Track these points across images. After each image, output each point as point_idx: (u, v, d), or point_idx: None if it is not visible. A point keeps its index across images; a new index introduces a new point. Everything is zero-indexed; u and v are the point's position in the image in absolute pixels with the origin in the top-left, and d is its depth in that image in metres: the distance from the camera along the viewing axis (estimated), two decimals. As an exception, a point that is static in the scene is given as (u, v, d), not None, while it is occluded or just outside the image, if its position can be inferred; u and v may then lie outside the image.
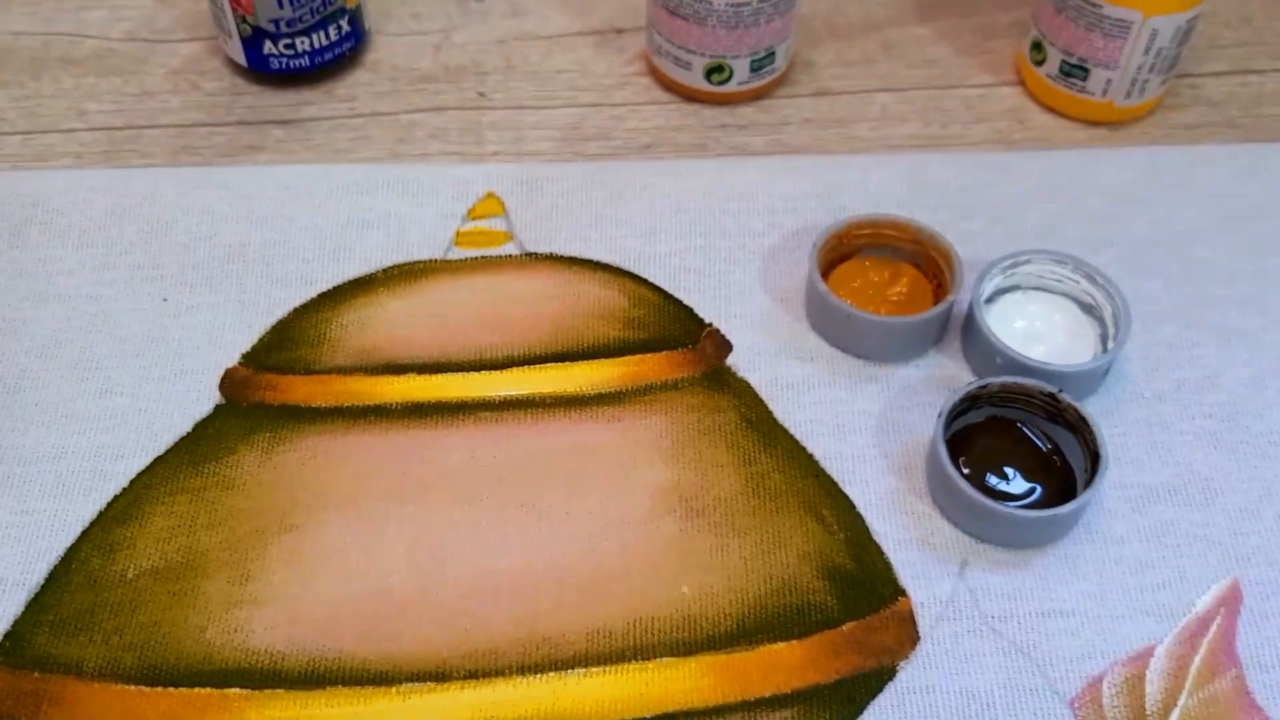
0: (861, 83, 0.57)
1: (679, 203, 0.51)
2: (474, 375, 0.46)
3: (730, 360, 0.46)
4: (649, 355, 0.46)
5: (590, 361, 0.46)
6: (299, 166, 0.52)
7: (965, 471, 0.42)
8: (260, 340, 0.47)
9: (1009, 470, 0.42)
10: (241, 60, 0.55)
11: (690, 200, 0.51)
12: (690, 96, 0.56)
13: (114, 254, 0.49)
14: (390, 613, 0.40)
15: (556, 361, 0.46)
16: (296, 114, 0.55)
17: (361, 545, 0.41)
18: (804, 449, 0.44)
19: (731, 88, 0.55)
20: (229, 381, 0.46)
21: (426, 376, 0.46)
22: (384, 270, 0.49)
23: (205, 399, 0.45)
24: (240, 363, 0.46)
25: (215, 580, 0.40)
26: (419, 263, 0.49)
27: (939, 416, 0.42)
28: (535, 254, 0.49)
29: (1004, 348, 0.44)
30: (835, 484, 0.43)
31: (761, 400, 0.45)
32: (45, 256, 0.49)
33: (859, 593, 0.40)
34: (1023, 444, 0.43)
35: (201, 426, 0.44)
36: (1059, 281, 0.47)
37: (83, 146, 0.54)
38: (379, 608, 0.40)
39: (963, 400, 0.42)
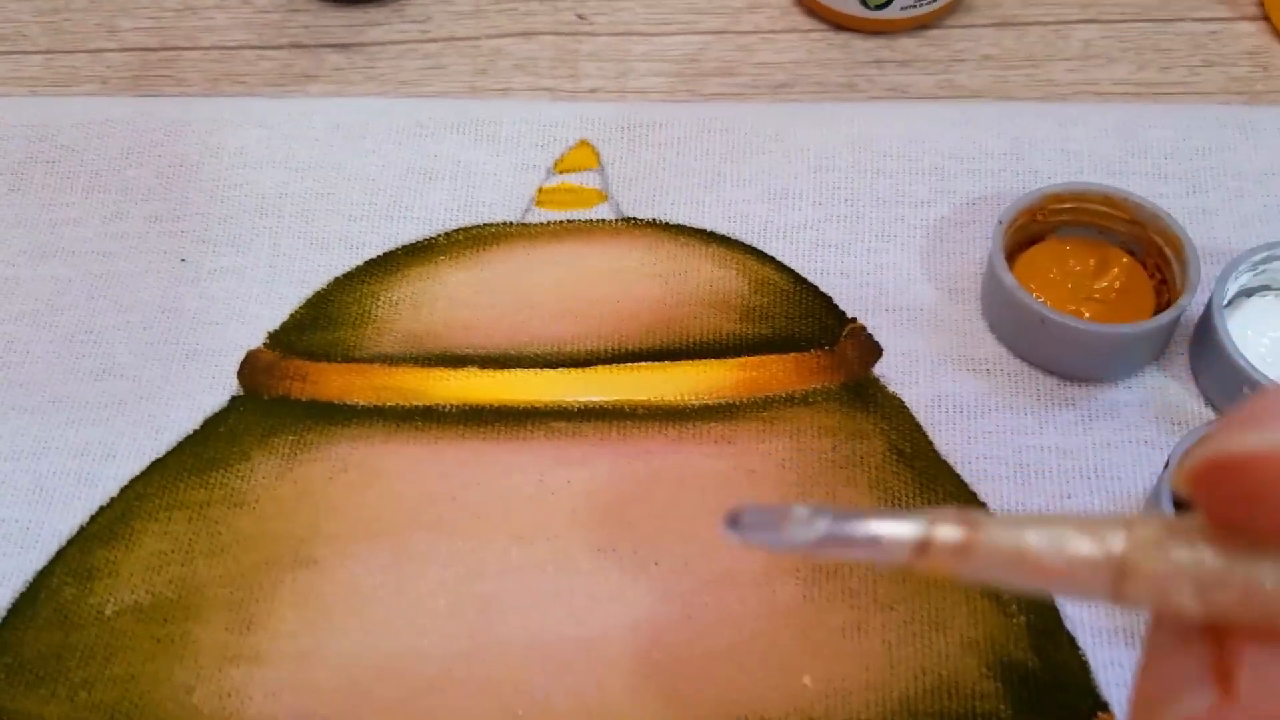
0: (1057, 11, 0.45)
1: (819, 158, 0.40)
2: (549, 374, 0.36)
3: (878, 369, 0.36)
4: (772, 358, 0.36)
5: (697, 362, 0.36)
6: (352, 101, 0.43)
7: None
8: (292, 316, 0.38)
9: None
10: (296, -30, 0.46)
11: (834, 155, 0.40)
12: (839, 24, 0.45)
13: (129, 202, 0.40)
14: (422, 685, 0.31)
15: (654, 360, 0.36)
16: (359, 37, 0.46)
17: (393, 591, 0.32)
18: (974, 495, 0.33)
19: (892, 13, 0.43)
20: (250, 367, 0.37)
21: (490, 372, 0.36)
22: (446, 235, 0.39)
23: (220, 388, 0.37)
24: (265, 343, 0.37)
25: (210, 626, 0.32)
26: (490, 226, 0.39)
27: (1165, 468, 0.31)
28: (634, 220, 0.39)
29: (1254, 371, 0.32)
30: (1014, 546, 0.32)
31: (918, 425, 0.35)
32: (50, 201, 0.41)
33: (1044, 701, 0.30)
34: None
35: (212, 424, 0.36)
36: (1332, 283, 0.35)
37: (110, 70, 0.45)
38: (409, 676, 0.31)
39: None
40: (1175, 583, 0.16)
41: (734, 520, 0.19)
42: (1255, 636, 0.16)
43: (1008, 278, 0.34)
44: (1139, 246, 0.36)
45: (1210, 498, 0.16)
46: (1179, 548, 0.16)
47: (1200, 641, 0.17)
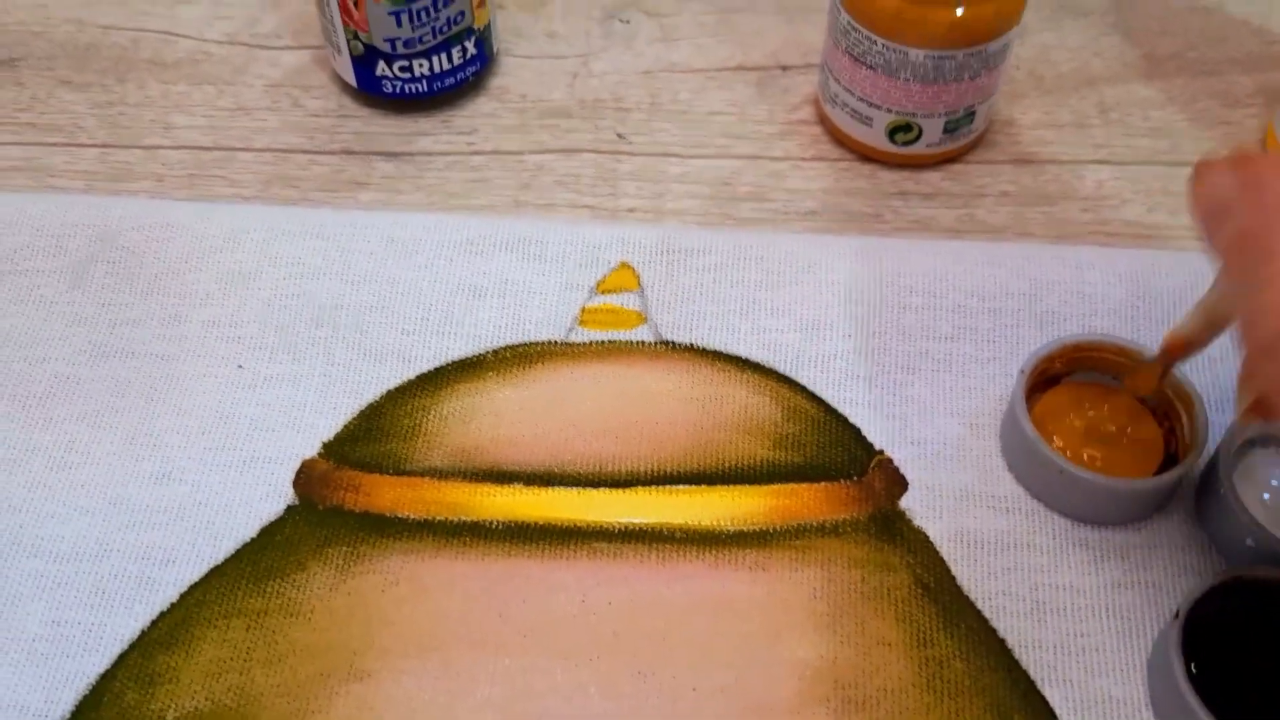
0: (1073, 150, 0.48)
1: (850, 291, 0.42)
2: (591, 493, 0.38)
3: (904, 502, 0.38)
4: (803, 486, 0.38)
5: (732, 487, 0.38)
6: (406, 215, 0.44)
7: (1204, 684, 0.32)
8: (346, 427, 0.40)
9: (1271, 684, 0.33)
10: (351, 80, 0.47)
11: (864, 289, 0.42)
12: (867, 155, 0.47)
13: (187, 306, 0.42)
14: (472, 802, 0.32)
15: (691, 484, 0.38)
16: (408, 145, 0.48)
17: (443, 708, 0.34)
18: (994, 631, 0.35)
19: (918, 149, 0.46)
20: (305, 476, 0.39)
21: (535, 490, 0.38)
22: (495, 351, 0.41)
23: (276, 496, 0.38)
24: (320, 453, 0.39)
25: (269, 735, 0.33)
26: (536, 344, 0.41)
27: (1174, 617, 0.33)
28: (673, 343, 0.41)
29: (1257, 523, 0.35)
30: (1032, 683, 0.34)
31: (941, 560, 0.37)
32: (109, 301, 0.42)
33: None
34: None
35: (269, 532, 0.37)
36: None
37: (165, 168, 0.47)
38: (459, 793, 0.32)
39: (1206, 596, 0.33)
40: None
41: None
42: None
43: (1029, 429, 0.36)
44: (1151, 397, 0.38)
45: None
46: None
47: None
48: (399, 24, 0.44)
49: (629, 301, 0.42)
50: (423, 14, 0.44)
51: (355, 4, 0.44)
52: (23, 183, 0.47)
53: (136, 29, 0.52)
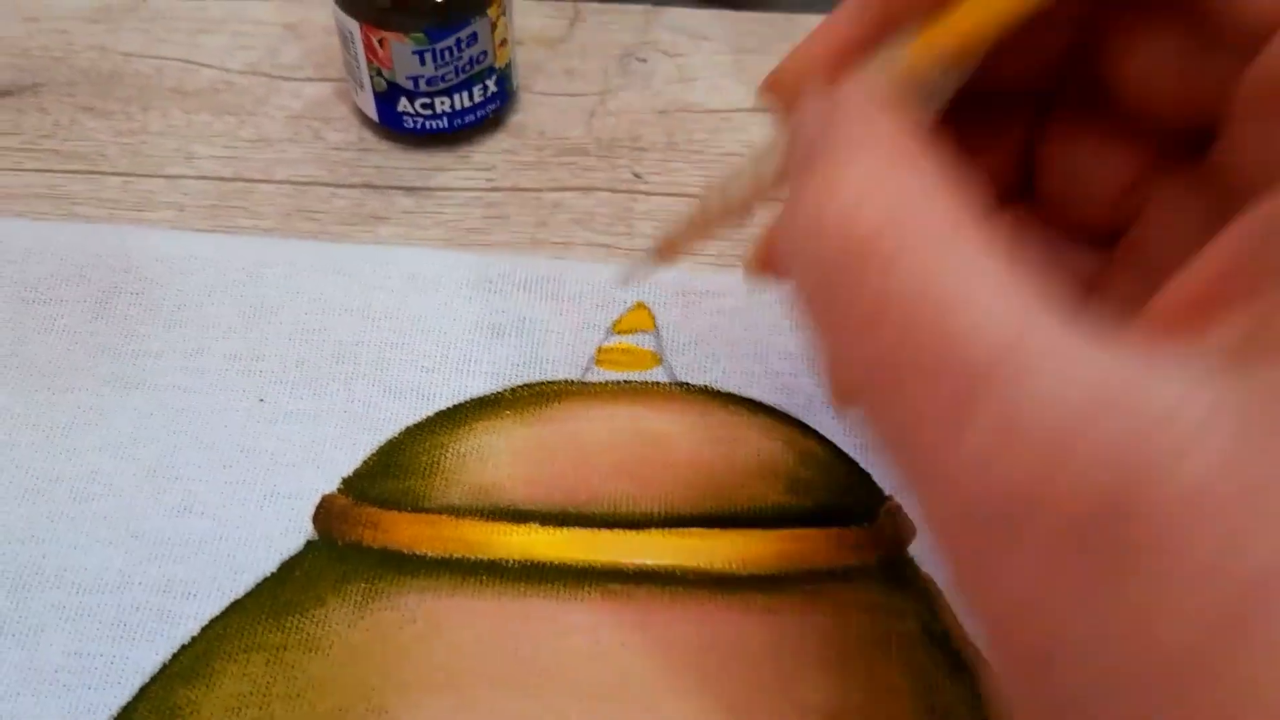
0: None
1: (860, 337, 0.43)
2: (605, 534, 0.39)
3: (912, 549, 0.39)
4: (814, 530, 0.39)
5: (744, 531, 0.39)
6: (426, 252, 0.45)
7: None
8: (365, 463, 0.40)
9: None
10: (372, 114, 0.48)
11: (874, 335, 0.43)
12: (878, 200, 0.48)
13: (209, 338, 0.43)
14: (488, 841, 0.33)
15: (703, 526, 0.39)
16: (428, 181, 0.48)
17: (460, 746, 0.34)
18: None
19: (929, 196, 0.46)
20: (325, 512, 0.39)
21: (550, 529, 0.39)
22: (512, 390, 0.42)
23: (296, 531, 0.39)
24: (340, 489, 0.40)
25: (287, 770, 0.34)
26: (553, 383, 0.42)
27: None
28: (687, 385, 0.42)
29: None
30: (1036, 732, 0.35)
31: (947, 606, 0.37)
32: (131, 333, 0.43)
33: None
34: None
35: (288, 567, 0.38)
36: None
37: (187, 197, 0.48)
38: (475, 832, 0.33)
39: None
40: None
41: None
42: None
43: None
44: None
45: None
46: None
47: None
48: (423, 63, 0.45)
49: (644, 342, 0.43)
50: (446, 53, 0.45)
51: (380, 42, 0.45)
52: (46, 210, 0.47)
53: (159, 57, 0.53)
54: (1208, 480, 0.16)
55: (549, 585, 0.38)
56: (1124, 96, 0.27)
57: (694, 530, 0.39)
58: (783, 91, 0.28)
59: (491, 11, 0.46)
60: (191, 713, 0.35)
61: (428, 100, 0.47)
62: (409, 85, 0.46)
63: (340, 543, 0.39)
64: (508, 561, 0.38)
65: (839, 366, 0.22)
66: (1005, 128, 0.30)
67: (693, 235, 0.33)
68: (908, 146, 0.22)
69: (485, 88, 0.47)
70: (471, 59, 0.46)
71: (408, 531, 0.39)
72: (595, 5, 0.55)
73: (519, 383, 0.42)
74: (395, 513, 0.39)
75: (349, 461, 0.40)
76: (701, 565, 0.38)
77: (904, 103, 0.25)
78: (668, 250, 0.35)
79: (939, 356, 0.19)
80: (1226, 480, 0.16)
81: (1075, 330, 0.18)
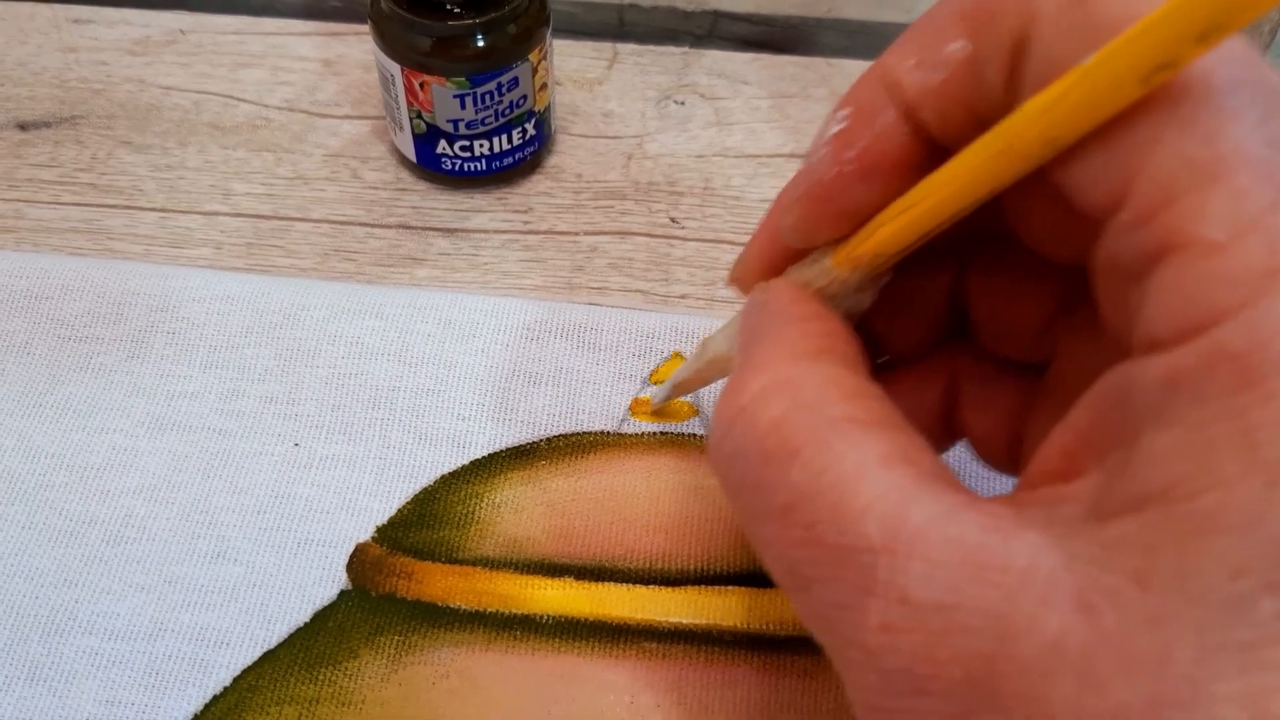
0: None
1: (899, 392, 0.43)
2: (641, 590, 0.38)
3: (952, 613, 0.38)
4: (852, 591, 0.38)
5: (779, 591, 0.38)
6: (464, 297, 0.45)
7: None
8: (400, 512, 0.40)
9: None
10: (410, 155, 0.48)
11: (913, 390, 0.43)
12: (917, 251, 0.47)
13: (246, 381, 0.43)
14: None
15: (739, 584, 0.39)
16: (464, 222, 0.48)
17: (493, 807, 0.34)
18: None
19: (969, 249, 0.46)
20: (359, 561, 0.39)
21: (586, 584, 0.38)
22: (548, 440, 0.42)
23: (330, 581, 0.38)
24: (374, 537, 0.39)
25: (318, 828, 0.34)
26: (589, 434, 0.42)
27: None
28: (725, 438, 0.42)
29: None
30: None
31: (988, 673, 0.37)
32: (167, 373, 0.43)
33: None
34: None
35: (321, 618, 0.38)
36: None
37: (224, 235, 0.48)
38: None
39: None
40: None
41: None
42: None
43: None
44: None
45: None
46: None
47: None
48: (463, 106, 0.45)
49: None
50: (487, 98, 0.45)
51: (421, 86, 0.45)
52: (82, 244, 0.47)
53: (198, 91, 0.53)
54: (1064, 631, 0.18)
55: (584, 642, 0.37)
56: (1027, 242, 0.28)
57: (731, 589, 0.38)
58: (740, 281, 0.32)
59: (533, 56, 0.45)
60: (223, 766, 0.35)
61: (466, 143, 0.47)
62: (449, 128, 0.46)
63: (374, 594, 0.38)
64: (542, 617, 0.38)
65: (762, 551, 0.25)
66: (937, 275, 0.31)
67: (691, 385, 0.38)
68: (810, 345, 0.25)
69: (524, 131, 0.47)
70: (512, 103, 0.46)
71: (442, 583, 0.38)
72: (633, 47, 0.55)
73: (555, 433, 0.42)
74: (429, 563, 0.39)
75: (383, 509, 0.40)
76: (739, 625, 0.38)
77: (822, 300, 0.27)
78: (677, 391, 0.39)
79: (838, 548, 0.21)
80: (1083, 629, 0.18)
81: (951, 498, 0.21)
